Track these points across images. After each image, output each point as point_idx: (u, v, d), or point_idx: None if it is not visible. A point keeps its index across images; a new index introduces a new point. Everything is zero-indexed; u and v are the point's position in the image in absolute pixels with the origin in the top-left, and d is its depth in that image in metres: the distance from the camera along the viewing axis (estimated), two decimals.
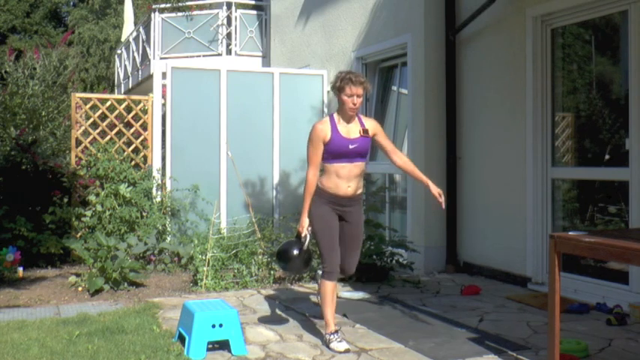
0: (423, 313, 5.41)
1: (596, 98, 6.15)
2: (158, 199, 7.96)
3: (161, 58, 12.61)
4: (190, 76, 8.29)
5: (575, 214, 6.35)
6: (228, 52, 12.97)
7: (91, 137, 8.24)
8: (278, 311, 5.51)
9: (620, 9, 5.61)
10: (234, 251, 6.84)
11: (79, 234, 7.73)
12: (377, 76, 8.71)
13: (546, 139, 6.30)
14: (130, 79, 15.01)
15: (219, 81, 8.31)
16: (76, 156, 8.16)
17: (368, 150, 4.57)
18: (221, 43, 12.99)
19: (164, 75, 8.34)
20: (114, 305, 5.70)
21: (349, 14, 8.89)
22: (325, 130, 4.45)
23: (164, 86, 8.37)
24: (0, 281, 6.55)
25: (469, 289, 6.18)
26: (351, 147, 4.44)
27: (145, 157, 8.42)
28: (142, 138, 8.43)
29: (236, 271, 6.62)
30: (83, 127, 8.29)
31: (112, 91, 20.04)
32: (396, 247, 6.83)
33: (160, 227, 7.73)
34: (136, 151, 8.43)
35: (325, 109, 8.69)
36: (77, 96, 8.38)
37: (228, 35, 13.06)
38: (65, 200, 7.80)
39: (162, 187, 8.10)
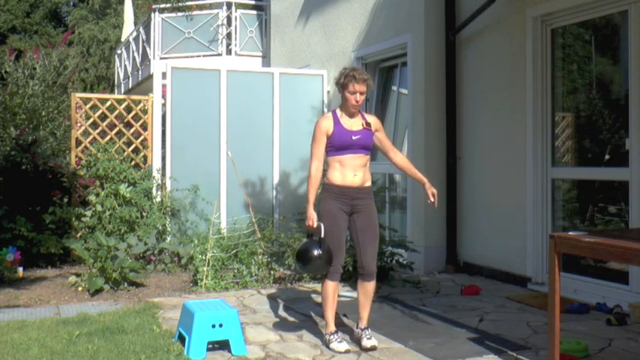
0: (423, 313, 5.41)
1: (596, 98, 6.15)
2: (158, 199, 7.96)
3: (161, 58, 12.61)
4: (190, 76, 8.29)
5: (575, 214, 6.35)
6: (228, 52, 12.97)
7: (91, 137, 8.24)
8: (278, 311, 5.51)
9: (620, 9, 5.61)
10: (234, 251, 6.84)
11: (79, 234, 7.72)
12: (377, 76, 8.70)
13: (546, 139, 6.30)
14: (130, 79, 15.01)
15: (219, 81, 8.31)
16: (76, 156, 8.15)
17: (371, 143, 4.53)
18: (221, 43, 13.00)
19: (164, 75, 8.34)
20: (114, 305, 5.70)
21: (349, 14, 8.89)
22: (328, 124, 4.46)
23: (164, 86, 8.37)
24: (0, 281, 6.55)
25: (469, 289, 6.18)
26: (354, 138, 4.43)
27: (145, 157, 8.42)
28: (141, 138, 8.43)
29: (236, 271, 6.62)
30: (83, 127, 8.29)
31: (112, 91, 20.04)
32: (396, 247, 6.82)
33: (160, 227, 7.73)
34: (136, 151, 8.43)
35: (325, 109, 8.68)
36: (77, 96, 8.38)
37: (228, 35, 13.07)
38: (65, 200, 7.80)
39: (162, 187, 8.10)
